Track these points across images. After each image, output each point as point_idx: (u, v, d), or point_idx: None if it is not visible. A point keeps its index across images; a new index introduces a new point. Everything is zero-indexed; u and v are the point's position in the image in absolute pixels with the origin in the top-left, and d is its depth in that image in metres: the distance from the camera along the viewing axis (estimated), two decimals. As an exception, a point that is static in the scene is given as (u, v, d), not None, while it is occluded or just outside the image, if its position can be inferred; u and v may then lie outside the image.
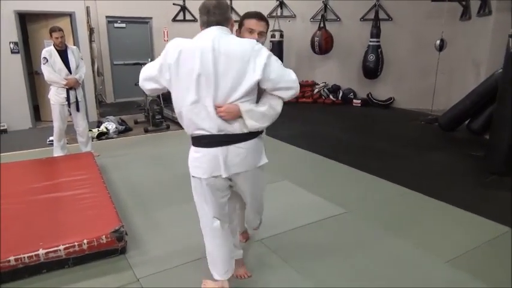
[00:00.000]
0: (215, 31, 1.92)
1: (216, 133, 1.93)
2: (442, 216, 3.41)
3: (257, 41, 2.01)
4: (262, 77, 1.87)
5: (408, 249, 2.84)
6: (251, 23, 2.20)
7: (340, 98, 9.09)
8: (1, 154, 5.11)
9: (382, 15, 8.37)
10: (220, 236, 2.18)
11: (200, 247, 2.80)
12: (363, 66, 8.57)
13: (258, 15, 2.23)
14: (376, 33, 8.28)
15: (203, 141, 1.97)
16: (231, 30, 2.03)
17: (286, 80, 1.95)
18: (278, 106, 2.01)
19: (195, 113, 1.91)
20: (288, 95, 1.99)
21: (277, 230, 3.05)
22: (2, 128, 6.36)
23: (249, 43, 1.91)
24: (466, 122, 6.26)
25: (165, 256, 2.74)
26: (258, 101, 2.01)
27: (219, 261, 2.23)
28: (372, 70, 8.47)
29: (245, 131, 1.94)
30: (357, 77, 8.97)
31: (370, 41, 8.36)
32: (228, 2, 8.74)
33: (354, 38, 8.82)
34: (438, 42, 7.23)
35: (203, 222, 2.21)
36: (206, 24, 1.96)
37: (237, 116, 1.90)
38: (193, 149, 2.04)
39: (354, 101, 8.88)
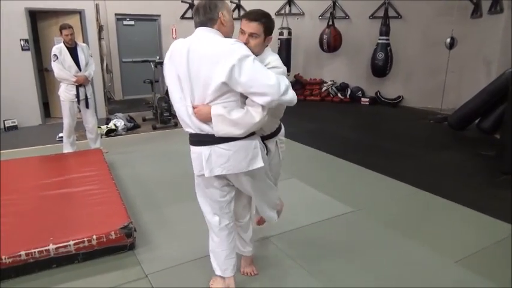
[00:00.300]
0: (199, 32, 1.92)
1: (199, 132, 1.93)
2: (452, 216, 3.38)
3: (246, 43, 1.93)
4: (227, 80, 1.77)
5: (417, 249, 2.82)
6: (242, 23, 2.01)
7: (348, 96, 9.05)
8: (11, 150, 5.17)
9: (391, 13, 8.30)
10: (219, 233, 2.19)
11: (207, 244, 2.81)
12: (371, 64, 8.51)
13: (248, 15, 2.00)
14: (385, 31, 8.21)
15: (191, 139, 2.02)
16: (228, 31, 1.97)
17: (260, 85, 1.78)
18: (256, 115, 1.85)
19: (182, 111, 1.94)
20: (263, 101, 1.80)
21: (285, 228, 3.05)
22: (12, 124, 6.43)
23: (224, 44, 1.84)
24: (476, 121, 6.19)
25: (173, 253, 2.75)
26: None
27: (218, 258, 2.24)
28: (380, 68, 8.41)
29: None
30: (365, 75, 8.91)
31: (379, 39, 8.30)
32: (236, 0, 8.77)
33: (362, 35, 8.76)
34: (448, 40, 7.16)
35: (205, 217, 2.25)
36: (195, 25, 1.96)
37: (208, 118, 1.86)
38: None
39: (362, 99, 8.83)
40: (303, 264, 2.61)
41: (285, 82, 1.85)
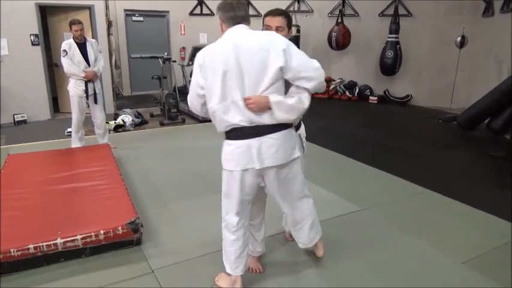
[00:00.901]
0: (238, 29, 2.00)
1: (248, 125, 1.97)
2: (460, 217, 3.35)
3: None
4: (284, 64, 1.89)
5: (424, 249, 2.80)
6: (266, 20, 2.28)
7: (356, 94, 9.00)
8: (21, 144, 5.23)
9: (401, 11, 8.23)
10: (235, 232, 2.19)
11: (215, 240, 2.82)
12: (380, 63, 8.45)
13: (272, 12, 2.27)
14: (395, 29, 8.14)
15: (236, 133, 2.01)
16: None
17: (309, 68, 1.97)
18: (306, 100, 2.02)
19: (224, 111, 1.96)
20: (311, 85, 1.99)
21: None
22: (22, 118, 6.49)
23: (267, 33, 2.03)
24: (486, 121, 6.12)
25: (179, 248, 2.76)
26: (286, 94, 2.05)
27: (231, 256, 2.24)
28: (389, 66, 8.34)
29: (274, 122, 1.98)
30: (374, 73, 8.85)
31: (389, 37, 8.23)
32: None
33: (372, 33, 8.69)
34: (459, 38, 7.08)
35: (224, 215, 2.23)
36: (232, 20, 2.00)
37: (266, 107, 1.94)
38: (226, 142, 2.07)
39: (371, 97, 8.78)
40: (309, 262, 2.60)
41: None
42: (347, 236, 2.98)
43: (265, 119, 1.97)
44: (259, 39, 1.96)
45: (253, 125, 1.97)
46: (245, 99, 1.93)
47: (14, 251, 2.40)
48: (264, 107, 1.94)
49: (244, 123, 1.97)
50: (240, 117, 1.96)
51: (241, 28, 2.00)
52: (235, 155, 2.03)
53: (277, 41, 1.93)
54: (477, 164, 4.83)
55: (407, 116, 7.64)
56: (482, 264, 2.63)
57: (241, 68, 1.91)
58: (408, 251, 2.79)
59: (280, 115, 1.96)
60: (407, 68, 8.43)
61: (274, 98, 1.94)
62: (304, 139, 2.47)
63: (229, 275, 2.28)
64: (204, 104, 2.05)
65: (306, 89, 2.01)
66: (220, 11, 2.04)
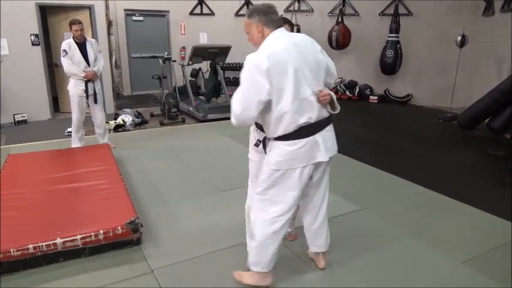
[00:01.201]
0: (284, 31, 2.11)
1: (315, 121, 2.07)
2: (459, 216, 3.35)
3: None
4: (326, 62, 2.14)
5: (424, 248, 2.80)
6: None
7: (356, 94, 8.99)
8: (21, 144, 5.24)
9: (402, 10, 8.22)
10: (283, 228, 2.20)
11: (214, 240, 2.83)
12: (380, 62, 8.44)
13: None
14: (395, 28, 8.12)
15: (304, 131, 2.05)
16: None
17: (334, 67, 2.23)
18: (334, 95, 2.17)
19: (295, 110, 2.00)
20: (334, 80, 2.26)
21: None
22: (22, 118, 6.50)
23: (303, 35, 2.18)
24: (486, 120, 6.12)
25: (179, 248, 2.76)
26: None
27: (269, 252, 2.21)
28: (390, 66, 8.33)
29: (327, 115, 2.15)
30: (374, 73, 8.84)
31: (389, 37, 8.22)
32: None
33: (372, 33, 8.69)
34: (459, 38, 7.07)
35: (269, 216, 2.17)
36: (276, 23, 2.08)
37: (330, 99, 2.11)
38: (286, 143, 2.06)
39: (371, 97, 8.77)
40: (309, 261, 2.60)
41: None
42: (346, 235, 2.97)
43: (325, 113, 2.13)
44: (305, 39, 2.13)
45: (319, 119, 2.08)
46: (319, 92, 2.04)
47: (13, 251, 2.40)
48: (329, 99, 2.09)
49: (312, 120, 2.05)
50: (310, 114, 2.04)
51: (285, 30, 2.13)
52: (301, 152, 2.06)
53: (315, 42, 2.15)
54: (477, 163, 4.83)
55: (408, 115, 7.64)
56: (482, 264, 2.63)
57: (305, 65, 2.01)
58: (407, 250, 2.79)
59: (337, 107, 2.16)
60: (407, 67, 8.42)
61: (330, 91, 2.13)
62: None
63: (255, 272, 2.27)
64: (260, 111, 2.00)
65: (330, 84, 2.22)
66: (261, 14, 2.06)
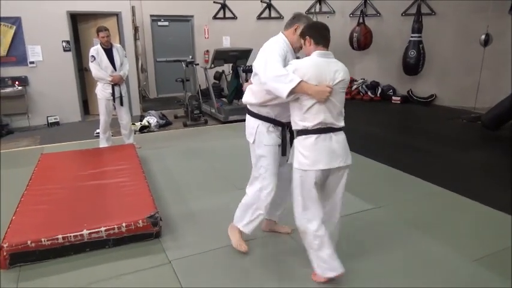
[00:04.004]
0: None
1: None
2: (475, 216, 3.35)
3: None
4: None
5: (436, 246, 2.84)
6: None
7: (378, 94, 8.95)
8: (53, 145, 5.55)
9: (424, 9, 8.13)
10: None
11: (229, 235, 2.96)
12: (403, 63, 8.37)
13: None
14: (417, 28, 8.05)
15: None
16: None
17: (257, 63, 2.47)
18: None
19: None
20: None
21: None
22: (54, 120, 6.87)
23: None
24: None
25: (196, 242, 2.91)
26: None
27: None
28: (412, 66, 8.25)
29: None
30: (396, 73, 8.77)
31: (412, 37, 8.14)
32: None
33: (394, 33, 8.63)
34: (483, 37, 6.94)
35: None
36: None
37: None
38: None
39: (393, 97, 8.70)
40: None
41: None
42: (359, 233, 3.04)
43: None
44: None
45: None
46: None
47: (44, 240, 2.62)
48: None
49: None
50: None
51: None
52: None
53: (267, 45, 2.45)
54: (498, 164, 4.75)
55: (431, 116, 7.54)
56: (493, 262, 2.64)
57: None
58: (419, 247, 2.83)
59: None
60: (431, 67, 8.31)
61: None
62: None
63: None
64: None
65: None
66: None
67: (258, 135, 2.53)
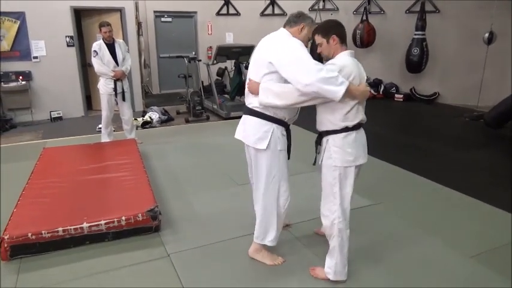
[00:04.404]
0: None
1: (246, 104, 2.51)
2: (475, 214, 3.35)
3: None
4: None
5: (434, 243, 2.85)
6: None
7: (381, 92, 8.93)
8: (56, 139, 5.60)
9: (428, 7, 8.10)
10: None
11: (228, 230, 2.99)
12: (406, 60, 8.35)
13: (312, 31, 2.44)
14: (421, 25, 8.01)
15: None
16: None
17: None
18: None
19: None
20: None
21: (304, 217, 3.14)
22: (57, 115, 6.91)
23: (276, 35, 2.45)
24: (514, 119, 5.96)
25: (195, 236, 2.94)
26: None
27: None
28: (415, 64, 8.23)
29: (251, 105, 2.47)
30: (399, 71, 8.75)
31: (415, 34, 8.11)
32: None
33: (397, 30, 8.60)
34: (487, 35, 6.91)
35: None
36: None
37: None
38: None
39: (396, 95, 8.68)
40: (318, 253, 2.68)
41: None
42: (357, 228, 3.01)
43: (252, 101, 2.47)
44: (269, 38, 2.40)
45: (247, 104, 2.48)
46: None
47: (45, 233, 2.65)
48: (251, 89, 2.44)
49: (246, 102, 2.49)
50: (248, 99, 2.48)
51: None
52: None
53: (275, 40, 2.39)
54: (500, 162, 4.75)
55: (433, 114, 7.52)
56: (490, 258, 2.65)
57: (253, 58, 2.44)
58: (417, 244, 2.84)
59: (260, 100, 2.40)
60: (434, 65, 8.28)
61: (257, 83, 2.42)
62: None
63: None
64: None
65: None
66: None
67: (274, 140, 2.36)
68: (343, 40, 2.26)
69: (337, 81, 2.08)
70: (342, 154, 2.25)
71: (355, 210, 2.79)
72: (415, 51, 8.09)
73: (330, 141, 2.28)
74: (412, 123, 7.01)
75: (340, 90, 2.07)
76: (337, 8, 9.20)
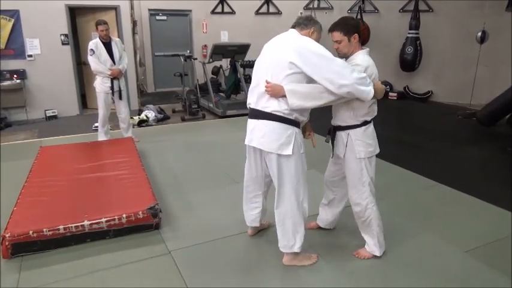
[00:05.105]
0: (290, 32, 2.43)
1: (253, 107, 2.45)
2: (469, 209, 3.42)
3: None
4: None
5: (428, 238, 2.90)
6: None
7: (376, 90, 8.98)
8: (51, 138, 5.58)
9: (422, 6, 8.18)
10: None
11: (228, 226, 3.03)
12: (400, 59, 8.44)
13: (329, 28, 2.44)
14: (415, 24, 8.10)
15: (250, 112, 2.47)
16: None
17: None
18: None
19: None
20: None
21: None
22: (52, 114, 6.88)
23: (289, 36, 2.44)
24: (507, 116, 6.06)
25: (195, 233, 2.97)
26: None
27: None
28: (409, 63, 8.32)
29: (269, 109, 2.36)
30: (393, 69, 8.82)
31: (409, 33, 8.20)
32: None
33: (391, 29, 8.68)
34: (479, 34, 7.00)
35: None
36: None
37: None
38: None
39: (390, 94, 8.76)
40: (317, 248, 2.73)
41: None
42: (354, 223, 3.08)
43: (268, 104, 2.39)
44: (284, 39, 2.38)
45: (256, 107, 2.41)
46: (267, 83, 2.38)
47: (46, 231, 2.66)
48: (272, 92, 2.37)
49: (251, 105, 2.46)
50: (252, 99, 2.45)
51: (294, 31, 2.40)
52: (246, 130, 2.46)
53: (291, 42, 2.35)
54: (493, 159, 4.84)
55: (427, 112, 7.62)
56: (484, 253, 2.71)
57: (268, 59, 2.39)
58: (412, 239, 2.89)
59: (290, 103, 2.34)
60: (428, 63, 8.38)
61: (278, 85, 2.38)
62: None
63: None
64: None
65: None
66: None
67: (297, 144, 2.32)
68: (360, 40, 2.36)
69: (367, 81, 2.18)
70: (365, 146, 2.42)
71: (349, 207, 2.85)
72: (409, 49, 8.18)
73: (351, 135, 2.43)
74: (406, 121, 7.09)
75: (371, 91, 2.20)
76: (331, 7, 9.25)
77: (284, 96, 2.22)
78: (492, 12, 7.18)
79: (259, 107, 2.33)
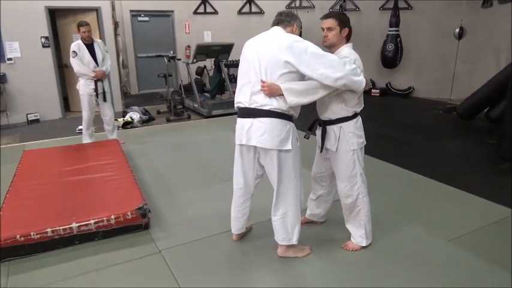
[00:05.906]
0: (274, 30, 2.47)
1: (247, 106, 2.45)
2: (451, 201, 3.51)
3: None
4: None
5: (413, 229, 2.97)
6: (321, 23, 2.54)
7: (358, 87, 9.11)
8: (34, 142, 5.50)
9: (401, 4, 8.34)
10: None
11: (216, 224, 3.05)
12: (381, 56, 8.58)
13: (323, 16, 2.53)
14: (395, 22, 8.26)
15: (239, 112, 2.49)
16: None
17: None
18: None
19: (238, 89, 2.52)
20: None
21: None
22: (34, 117, 6.77)
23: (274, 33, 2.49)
24: (485, 110, 6.23)
25: (184, 232, 2.98)
26: None
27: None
28: (390, 59, 8.48)
29: (266, 106, 2.38)
30: (375, 66, 8.96)
31: (389, 30, 8.36)
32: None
33: (372, 27, 8.82)
34: (457, 30, 7.18)
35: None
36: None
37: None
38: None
39: (373, 90, 8.88)
40: (307, 244, 2.75)
41: None
42: (339, 218, 3.14)
43: (263, 101, 2.40)
44: (272, 36, 2.41)
45: (250, 106, 2.42)
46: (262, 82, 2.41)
47: (33, 234, 2.63)
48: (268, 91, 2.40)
49: (243, 104, 2.46)
50: (244, 98, 2.46)
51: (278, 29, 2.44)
52: (236, 130, 2.51)
53: (282, 40, 2.37)
54: (473, 151, 4.97)
55: (408, 107, 7.77)
56: (467, 241, 2.80)
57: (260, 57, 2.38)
58: (397, 230, 2.96)
59: (288, 101, 2.39)
60: (408, 60, 8.55)
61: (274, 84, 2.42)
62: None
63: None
64: None
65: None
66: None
67: (294, 138, 2.39)
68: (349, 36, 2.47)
69: (358, 71, 2.28)
70: (357, 138, 2.50)
71: (336, 202, 2.92)
72: (390, 47, 8.33)
73: (343, 128, 2.48)
74: (389, 116, 7.22)
75: (364, 80, 2.31)
76: (313, 5, 9.34)
77: (281, 94, 2.27)
78: (469, 9, 7.37)
79: (255, 106, 2.33)
